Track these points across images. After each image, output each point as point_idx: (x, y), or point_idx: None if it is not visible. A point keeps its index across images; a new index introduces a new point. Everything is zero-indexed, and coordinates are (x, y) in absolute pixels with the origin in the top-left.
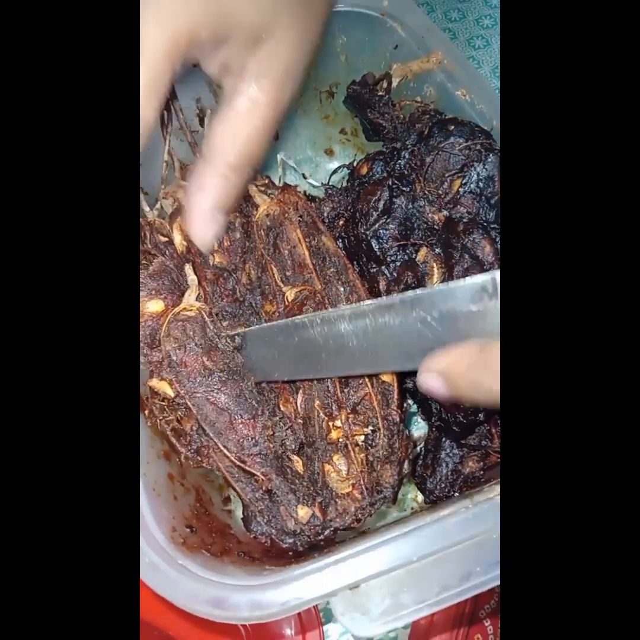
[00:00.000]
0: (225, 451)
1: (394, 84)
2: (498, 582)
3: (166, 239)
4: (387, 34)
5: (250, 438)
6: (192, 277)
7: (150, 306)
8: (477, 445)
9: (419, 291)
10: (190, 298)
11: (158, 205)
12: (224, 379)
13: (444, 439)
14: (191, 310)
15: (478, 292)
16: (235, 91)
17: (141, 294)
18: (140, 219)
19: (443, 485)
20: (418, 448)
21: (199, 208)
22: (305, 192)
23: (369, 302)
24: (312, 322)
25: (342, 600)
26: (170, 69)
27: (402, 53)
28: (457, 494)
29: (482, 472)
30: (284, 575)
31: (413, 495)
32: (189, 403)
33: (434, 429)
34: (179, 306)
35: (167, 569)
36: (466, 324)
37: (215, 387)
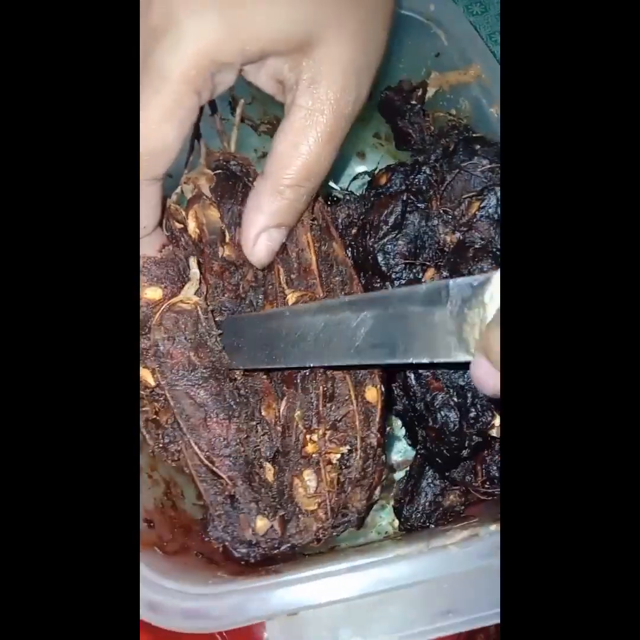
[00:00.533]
0: (196, 448)
1: (430, 94)
2: (445, 633)
3: (181, 226)
4: (430, 40)
5: (222, 438)
6: (194, 271)
7: (149, 293)
8: (460, 479)
9: (378, 293)
10: (189, 291)
11: (178, 190)
12: (206, 375)
13: (427, 468)
14: (188, 303)
15: (431, 296)
16: (293, 103)
17: (142, 279)
18: None
19: (420, 514)
20: (400, 473)
21: (254, 228)
22: (328, 194)
23: (335, 300)
24: (282, 314)
25: (279, 624)
26: (194, 94)
27: (443, 62)
28: (433, 526)
29: (462, 508)
30: (226, 587)
31: (390, 520)
32: (168, 394)
33: (419, 456)
34: (176, 297)
35: None
36: (416, 326)
37: (197, 382)
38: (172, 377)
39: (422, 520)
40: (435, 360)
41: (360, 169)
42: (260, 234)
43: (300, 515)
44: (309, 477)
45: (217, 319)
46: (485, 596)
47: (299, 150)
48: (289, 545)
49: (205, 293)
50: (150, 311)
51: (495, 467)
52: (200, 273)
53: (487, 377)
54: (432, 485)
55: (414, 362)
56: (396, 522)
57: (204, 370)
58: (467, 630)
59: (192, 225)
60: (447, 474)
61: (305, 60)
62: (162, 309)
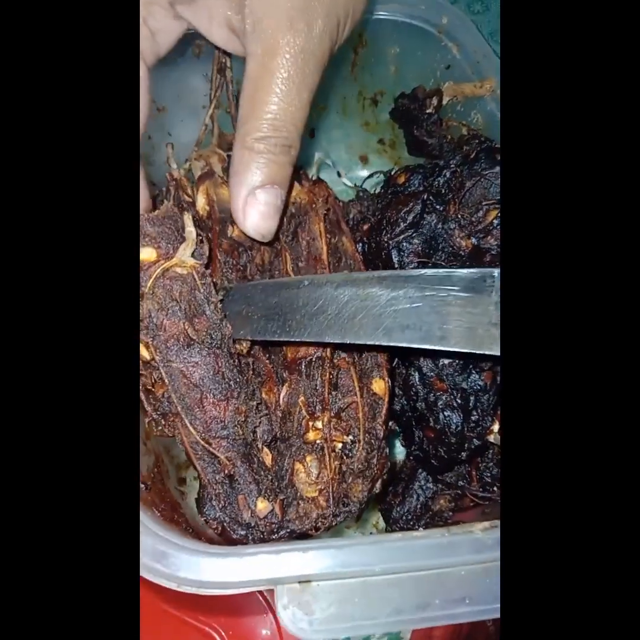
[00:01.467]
0: (191, 428)
1: (444, 102)
2: (455, 621)
3: (190, 200)
4: (440, 52)
5: (218, 420)
6: (190, 229)
7: (142, 254)
8: (454, 483)
9: (413, 271)
10: (185, 253)
11: (187, 165)
12: (203, 352)
13: (420, 470)
14: (183, 267)
15: (473, 282)
16: (246, 53)
17: None
18: (167, 174)
19: (409, 517)
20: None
21: (237, 192)
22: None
23: (363, 273)
24: (299, 283)
25: (289, 593)
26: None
27: (453, 74)
28: (421, 529)
29: (451, 513)
30: (233, 550)
31: (374, 521)
32: (162, 371)
33: (411, 458)
34: (170, 260)
35: None
36: (455, 312)
37: (193, 359)
38: (166, 353)
39: (411, 523)
40: (478, 352)
41: (363, 173)
42: (245, 197)
43: (300, 501)
44: (312, 464)
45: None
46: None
47: (259, 99)
48: (287, 530)
49: (205, 255)
50: (145, 274)
51: (488, 474)
52: (199, 235)
53: None
54: (424, 488)
55: (451, 350)
56: (381, 524)
57: (201, 345)
58: (478, 620)
59: (201, 201)
60: (439, 477)
61: (247, 2)
62: (155, 274)
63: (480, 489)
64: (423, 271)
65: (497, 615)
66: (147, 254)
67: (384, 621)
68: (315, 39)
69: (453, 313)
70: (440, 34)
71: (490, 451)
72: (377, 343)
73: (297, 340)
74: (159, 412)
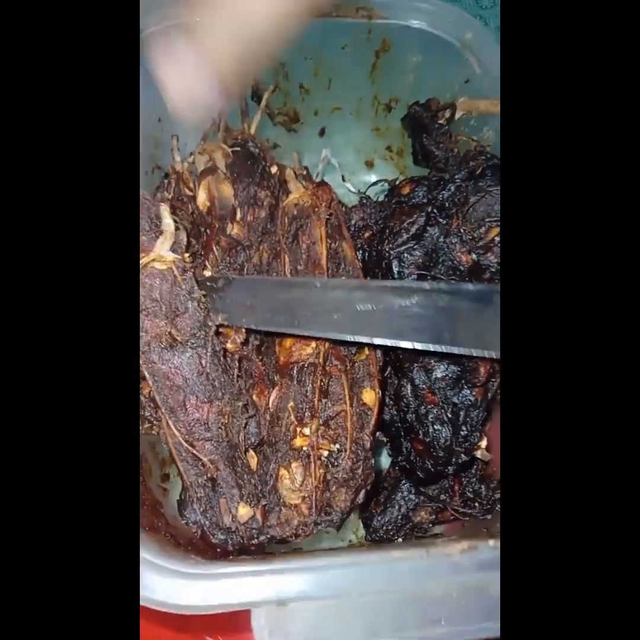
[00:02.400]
0: (174, 430)
1: (457, 116)
2: None
3: (191, 193)
4: (461, 65)
5: (202, 422)
6: (167, 222)
7: None
8: (436, 497)
9: (424, 283)
10: (163, 247)
11: (191, 159)
12: (187, 353)
13: (403, 481)
14: (163, 262)
15: (480, 295)
16: None
17: None
18: (169, 167)
19: (389, 527)
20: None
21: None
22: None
23: (376, 281)
24: (311, 284)
25: (266, 613)
26: None
27: (471, 88)
28: (400, 540)
29: (431, 525)
30: (211, 570)
31: (354, 528)
32: (145, 372)
33: (396, 468)
34: (148, 256)
35: None
36: (464, 319)
37: (176, 360)
38: (149, 354)
39: (391, 533)
40: (486, 354)
41: (368, 178)
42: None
43: (282, 508)
44: (297, 471)
45: (223, 275)
46: (477, 609)
47: None
48: (268, 536)
49: (184, 245)
50: None
51: (471, 489)
52: (177, 224)
53: None
54: (406, 498)
55: (460, 352)
56: (360, 532)
57: (185, 345)
58: None
59: (202, 197)
60: (423, 489)
61: None
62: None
63: (462, 505)
64: (433, 283)
65: (473, 636)
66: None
67: None
68: None
69: (462, 318)
70: (463, 48)
71: (475, 467)
72: (388, 342)
73: (305, 334)
74: (145, 411)
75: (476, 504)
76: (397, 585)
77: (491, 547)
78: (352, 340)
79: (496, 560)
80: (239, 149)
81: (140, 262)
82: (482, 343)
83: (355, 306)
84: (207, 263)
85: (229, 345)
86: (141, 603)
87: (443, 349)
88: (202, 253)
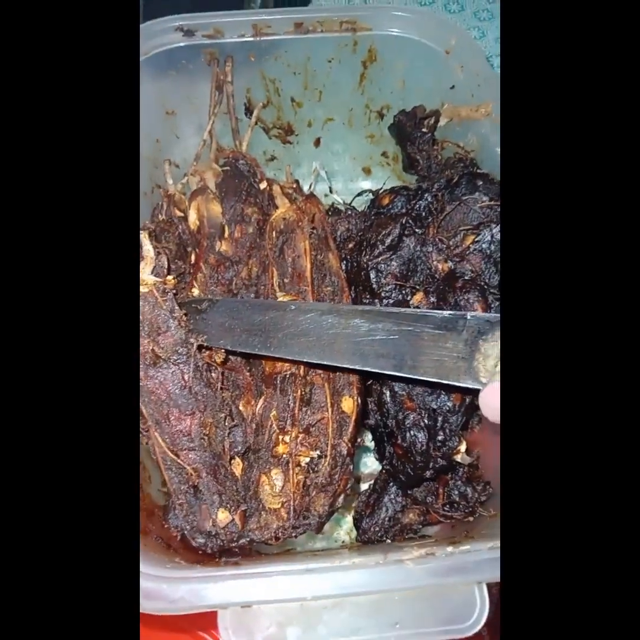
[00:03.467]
0: (160, 440)
1: (442, 123)
2: None
3: (181, 215)
4: (446, 72)
5: (184, 433)
6: (147, 248)
7: None
8: (422, 499)
9: (393, 308)
10: (144, 271)
11: (184, 180)
12: (171, 369)
13: (391, 484)
14: (145, 285)
15: (447, 323)
16: None
17: None
18: (161, 190)
19: (378, 528)
20: (365, 485)
21: None
22: (332, 204)
23: (348, 305)
24: (286, 306)
25: (231, 614)
26: None
27: (457, 95)
28: (389, 541)
29: (420, 526)
30: (184, 573)
31: (347, 529)
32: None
33: (384, 471)
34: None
35: None
36: (427, 346)
37: (159, 376)
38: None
39: (379, 534)
40: (443, 382)
41: (365, 184)
42: None
43: (262, 512)
44: (277, 477)
45: (207, 298)
46: (433, 613)
47: None
48: (247, 539)
49: (165, 268)
50: None
51: (457, 492)
52: (157, 249)
53: (496, 402)
54: (394, 501)
55: (419, 378)
56: (354, 533)
57: (168, 362)
58: None
59: (193, 216)
60: (409, 492)
61: None
62: None
63: (446, 507)
64: (402, 309)
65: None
66: None
67: None
68: None
69: (425, 346)
70: (448, 55)
71: (460, 470)
72: (352, 366)
73: (276, 356)
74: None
75: (461, 506)
76: (353, 589)
77: (448, 553)
78: (319, 363)
79: (453, 566)
80: (228, 168)
81: None
82: (441, 371)
83: (325, 330)
84: (194, 283)
85: (216, 358)
86: None
87: (404, 375)
88: (191, 271)
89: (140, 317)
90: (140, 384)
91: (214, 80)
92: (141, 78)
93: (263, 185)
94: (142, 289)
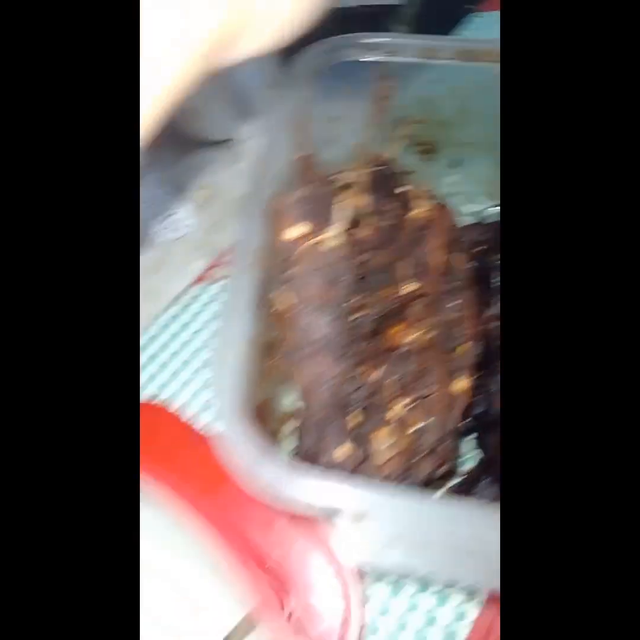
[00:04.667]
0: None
1: None
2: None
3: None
4: None
5: (324, 375)
6: (339, 214)
7: (295, 229)
8: None
9: None
10: (332, 232)
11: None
12: (335, 315)
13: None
14: (331, 241)
15: None
16: None
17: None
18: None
19: None
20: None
21: None
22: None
23: None
24: None
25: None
26: None
27: None
28: None
29: None
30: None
31: None
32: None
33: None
34: (319, 236)
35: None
36: None
37: (324, 319)
38: (301, 307)
39: None
40: None
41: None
42: None
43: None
44: (385, 438)
45: None
46: None
47: None
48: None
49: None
50: (295, 246)
51: None
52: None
53: None
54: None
55: None
56: None
57: (334, 309)
58: None
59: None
60: None
61: None
62: (305, 246)
63: None
64: None
65: None
66: (299, 229)
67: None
68: None
69: None
70: None
71: None
72: None
73: None
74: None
75: None
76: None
77: None
78: None
79: None
80: (378, 168)
81: (316, 239)
82: None
83: None
84: None
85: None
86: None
87: None
88: None
89: (320, 266)
90: (300, 318)
91: (377, 94)
92: (316, 86)
93: (403, 188)
94: (328, 245)
